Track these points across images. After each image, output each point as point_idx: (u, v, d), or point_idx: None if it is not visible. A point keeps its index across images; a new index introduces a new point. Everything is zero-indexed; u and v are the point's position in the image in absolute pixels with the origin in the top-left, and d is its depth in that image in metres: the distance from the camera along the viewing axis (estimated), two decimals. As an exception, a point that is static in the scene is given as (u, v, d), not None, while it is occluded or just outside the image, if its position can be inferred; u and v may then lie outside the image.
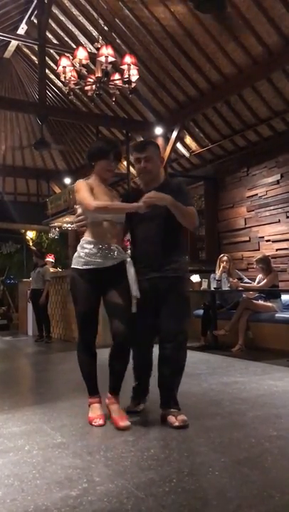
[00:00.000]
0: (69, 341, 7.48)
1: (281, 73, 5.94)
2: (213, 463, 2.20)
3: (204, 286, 6.39)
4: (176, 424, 2.72)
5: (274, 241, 7.09)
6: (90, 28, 6.77)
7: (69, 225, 9.74)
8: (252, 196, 7.43)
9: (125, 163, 8.15)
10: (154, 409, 3.17)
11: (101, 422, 2.83)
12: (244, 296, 6.33)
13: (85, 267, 2.84)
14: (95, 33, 6.56)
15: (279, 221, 7.02)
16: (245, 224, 7.59)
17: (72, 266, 2.91)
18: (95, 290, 2.88)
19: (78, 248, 2.91)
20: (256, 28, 5.47)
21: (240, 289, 6.30)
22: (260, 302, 5.87)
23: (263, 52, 5.67)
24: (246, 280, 6.51)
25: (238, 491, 1.92)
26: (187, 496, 1.87)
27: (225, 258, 6.61)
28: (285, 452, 2.32)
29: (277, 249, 7.04)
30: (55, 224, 10.05)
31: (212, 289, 6.24)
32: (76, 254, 2.90)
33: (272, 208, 7.14)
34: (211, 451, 2.37)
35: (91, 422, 2.85)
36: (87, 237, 2.89)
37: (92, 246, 2.85)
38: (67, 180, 10.72)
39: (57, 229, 10.48)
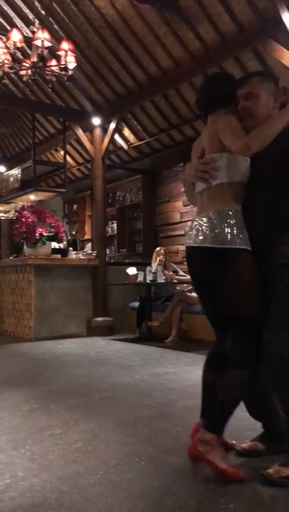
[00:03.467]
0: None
1: (218, 70, 6.04)
2: (140, 453, 2.21)
3: (140, 278, 6.43)
4: None
5: (208, 235, 7.23)
6: (26, 10, 6.54)
7: (1, 214, 9.40)
8: (188, 190, 7.53)
9: (62, 152, 8.00)
10: (85, 403, 3.14)
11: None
12: (178, 288, 6.44)
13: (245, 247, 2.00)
14: (31, 16, 6.34)
15: (213, 215, 7.17)
16: (181, 218, 7.69)
17: (234, 246, 1.97)
18: None
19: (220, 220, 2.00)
20: (194, 23, 5.52)
21: (175, 281, 6.41)
22: (194, 294, 5.98)
23: (200, 47, 5.73)
24: (181, 273, 6.62)
25: (162, 479, 1.94)
26: (112, 487, 1.86)
27: (161, 251, 6.69)
28: (211, 440, 2.37)
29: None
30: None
31: (148, 281, 6.29)
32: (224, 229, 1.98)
33: (207, 202, 7.27)
34: (138, 441, 2.38)
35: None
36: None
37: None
38: (1, 169, 10.35)
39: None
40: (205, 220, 2.02)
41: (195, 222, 2.08)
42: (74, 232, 9.81)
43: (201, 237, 2.01)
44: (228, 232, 1.97)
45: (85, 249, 7.81)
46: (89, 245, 8.07)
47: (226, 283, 1.99)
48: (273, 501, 1.74)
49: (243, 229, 1.99)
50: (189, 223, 2.29)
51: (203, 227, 2.01)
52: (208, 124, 2.14)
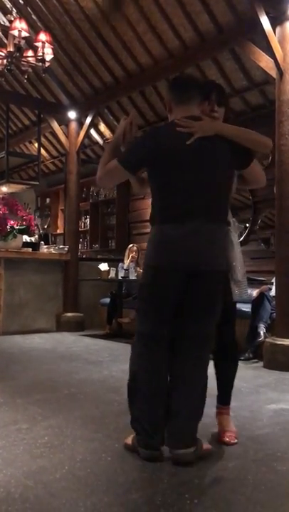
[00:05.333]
0: None
1: (195, 69, 6.07)
2: (107, 449, 2.21)
3: (112, 274, 6.42)
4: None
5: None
6: (4, -2, 6.43)
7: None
8: (162, 188, 7.55)
9: (36, 145, 7.89)
10: (53, 398, 3.12)
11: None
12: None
13: None
14: (8, 5, 6.23)
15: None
16: (155, 215, 7.70)
17: None
18: None
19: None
20: (173, 22, 5.53)
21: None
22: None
23: (178, 46, 5.74)
24: (153, 270, 6.63)
25: (128, 475, 1.94)
26: (77, 482, 1.85)
27: (134, 248, 6.69)
28: (177, 436, 2.39)
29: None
30: None
31: (120, 278, 6.28)
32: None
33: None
34: (105, 437, 2.38)
35: None
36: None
37: None
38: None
39: None
40: None
41: None
42: (46, 226, 9.71)
43: None
44: None
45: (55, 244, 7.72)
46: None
47: None
48: (235, 496, 1.77)
49: None
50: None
51: None
52: None
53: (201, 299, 2.14)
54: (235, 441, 2.27)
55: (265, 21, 4.31)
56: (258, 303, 4.68)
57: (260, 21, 4.30)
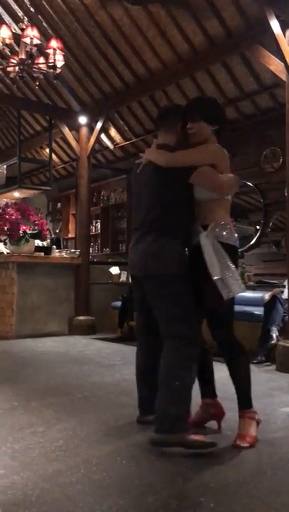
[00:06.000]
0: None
1: (205, 73, 6.09)
2: (122, 452, 2.23)
3: (123, 278, 6.44)
4: None
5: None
6: (15, 6, 6.50)
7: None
8: (173, 192, 7.56)
9: (47, 150, 7.97)
10: (66, 401, 3.15)
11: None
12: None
13: None
14: (20, 13, 6.30)
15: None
16: (165, 219, 7.71)
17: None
18: None
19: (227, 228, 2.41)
20: (182, 26, 5.55)
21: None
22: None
23: (188, 50, 5.76)
24: (164, 273, 6.64)
25: (143, 478, 1.96)
26: (93, 486, 1.87)
27: (144, 251, 6.70)
28: (191, 439, 2.40)
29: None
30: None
31: (130, 281, 6.29)
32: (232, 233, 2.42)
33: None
34: (119, 440, 2.40)
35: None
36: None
37: None
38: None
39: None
40: None
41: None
42: (58, 231, 9.77)
43: None
44: None
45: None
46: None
47: None
48: (250, 500, 1.78)
49: None
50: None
51: None
52: None
53: (154, 301, 2.45)
54: (246, 445, 2.27)
55: (275, 25, 4.31)
56: (270, 306, 4.67)
57: (269, 25, 4.31)
